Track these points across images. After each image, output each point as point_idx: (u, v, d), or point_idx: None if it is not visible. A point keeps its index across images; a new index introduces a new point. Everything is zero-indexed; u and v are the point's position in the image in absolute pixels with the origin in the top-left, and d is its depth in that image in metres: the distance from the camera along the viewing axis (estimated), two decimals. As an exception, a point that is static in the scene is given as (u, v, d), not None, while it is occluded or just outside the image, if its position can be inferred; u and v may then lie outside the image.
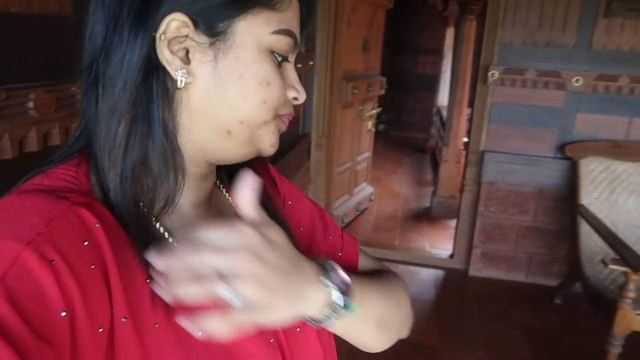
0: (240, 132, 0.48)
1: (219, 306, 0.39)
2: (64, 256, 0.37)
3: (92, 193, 0.44)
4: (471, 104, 2.87)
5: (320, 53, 2.87)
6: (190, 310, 0.40)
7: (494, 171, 2.78)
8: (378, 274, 0.65)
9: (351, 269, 0.60)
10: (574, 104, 2.63)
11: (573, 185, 2.59)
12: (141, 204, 0.46)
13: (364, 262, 0.68)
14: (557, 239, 2.79)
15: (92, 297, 0.38)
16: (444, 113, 4.71)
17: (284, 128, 0.52)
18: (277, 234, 0.42)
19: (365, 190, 3.95)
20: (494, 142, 2.77)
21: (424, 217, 3.97)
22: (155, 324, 0.43)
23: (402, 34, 6.82)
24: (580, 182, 2.53)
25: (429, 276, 2.96)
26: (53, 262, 0.36)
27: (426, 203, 4.21)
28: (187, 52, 0.45)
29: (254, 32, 0.46)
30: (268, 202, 0.58)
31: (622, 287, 1.85)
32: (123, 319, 0.41)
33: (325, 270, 0.47)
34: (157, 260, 0.38)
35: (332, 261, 0.49)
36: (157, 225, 0.48)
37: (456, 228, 3.04)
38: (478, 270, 2.95)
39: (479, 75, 2.72)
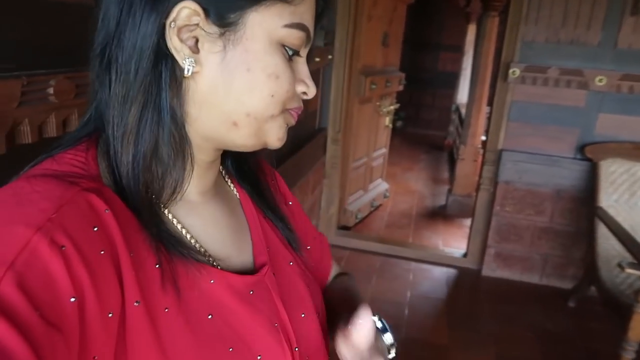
0: (247, 124, 0.47)
1: None
2: (74, 242, 0.37)
3: (100, 179, 0.45)
4: (491, 102, 2.83)
5: (340, 47, 2.85)
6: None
7: (511, 170, 2.74)
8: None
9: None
10: (596, 104, 2.57)
11: (592, 187, 2.54)
12: (150, 190, 0.46)
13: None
14: (573, 241, 2.75)
15: (101, 282, 0.38)
16: (463, 111, 4.66)
17: (292, 122, 0.52)
18: None
19: (380, 186, 3.93)
20: (513, 141, 2.73)
21: (438, 215, 3.94)
22: (166, 308, 0.44)
23: (423, 30, 6.75)
24: (599, 184, 2.48)
25: (441, 275, 2.94)
26: (63, 248, 0.36)
27: (441, 201, 4.17)
28: (197, 41, 0.44)
29: (265, 25, 0.45)
30: (271, 197, 0.64)
31: (639, 292, 1.82)
32: (135, 304, 0.41)
33: None
34: None
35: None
36: (166, 211, 0.49)
37: (471, 227, 3.01)
38: (491, 270, 2.92)
39: (499, 72, 2.68)
